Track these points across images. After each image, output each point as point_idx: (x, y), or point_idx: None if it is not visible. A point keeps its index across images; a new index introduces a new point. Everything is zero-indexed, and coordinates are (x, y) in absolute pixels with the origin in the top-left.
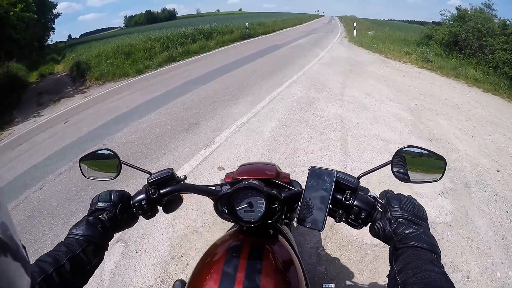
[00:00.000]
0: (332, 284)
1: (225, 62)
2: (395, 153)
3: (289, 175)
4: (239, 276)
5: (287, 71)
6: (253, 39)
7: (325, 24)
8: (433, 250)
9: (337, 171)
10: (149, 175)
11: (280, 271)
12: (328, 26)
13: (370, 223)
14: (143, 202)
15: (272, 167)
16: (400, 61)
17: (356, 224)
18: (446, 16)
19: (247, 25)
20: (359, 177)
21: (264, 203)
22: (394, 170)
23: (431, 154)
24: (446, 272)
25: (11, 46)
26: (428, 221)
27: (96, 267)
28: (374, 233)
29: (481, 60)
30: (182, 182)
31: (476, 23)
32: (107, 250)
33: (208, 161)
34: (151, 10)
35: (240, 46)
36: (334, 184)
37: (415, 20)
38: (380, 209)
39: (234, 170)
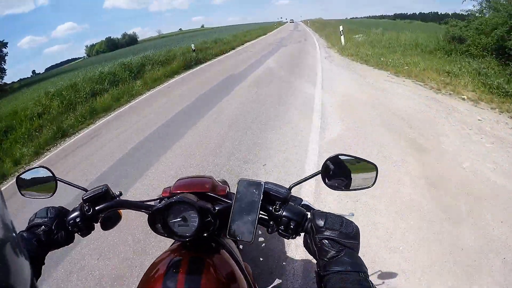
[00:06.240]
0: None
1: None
2: (325, 162)
3: (225, 188)
4: None
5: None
6: (201, 66)
7: (292, 31)
8: (359, 269)
9: (266, 182)
10: (84, 192)
11: (220, 284)
12: (296, 33)
13: (303, 233)
14: (78, 220)
15: (208, 181)
16: (460, 98)
17: (287, 234)
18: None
19: (192, 47)
20: (290, 188)
21: (197, 217)
22: (326, 181)
23: (362, 161)
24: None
25: None
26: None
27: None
28: (305, 246)
29: None
30: (117, 198)
31: None
32: (44, 264)
33: None
34: (111, 37)
35: (176, 85)
36: (262, 195)
37: (376, 15)
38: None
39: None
